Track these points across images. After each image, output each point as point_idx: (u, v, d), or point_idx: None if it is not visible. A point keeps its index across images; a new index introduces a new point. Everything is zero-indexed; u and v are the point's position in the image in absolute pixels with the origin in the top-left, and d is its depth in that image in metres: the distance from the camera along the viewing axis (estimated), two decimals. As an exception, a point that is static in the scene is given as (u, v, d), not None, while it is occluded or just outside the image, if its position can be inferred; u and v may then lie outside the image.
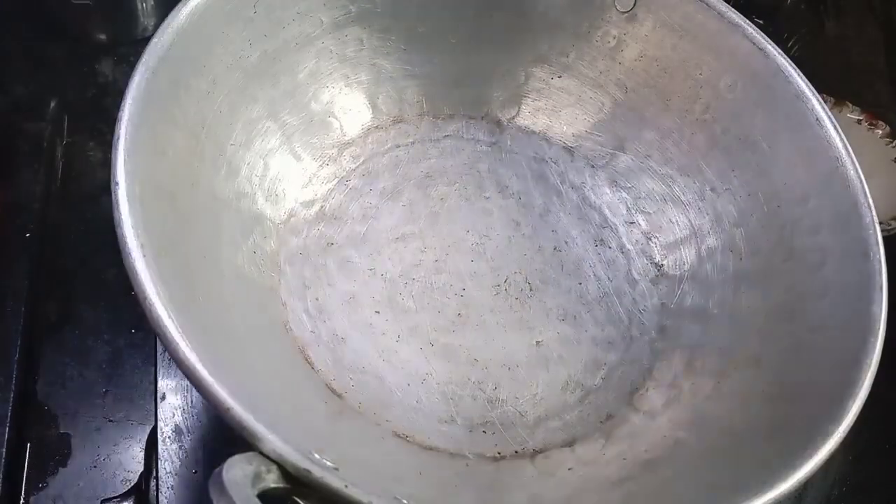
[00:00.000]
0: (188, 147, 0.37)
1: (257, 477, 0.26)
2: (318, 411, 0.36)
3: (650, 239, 0.46)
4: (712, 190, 0.45)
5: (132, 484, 0.38)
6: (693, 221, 0.45)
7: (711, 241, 0.44)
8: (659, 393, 0.41)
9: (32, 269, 0.43)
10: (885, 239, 0.38)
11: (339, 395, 0.38)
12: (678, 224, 0.46)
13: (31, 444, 0.39)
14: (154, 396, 0.38)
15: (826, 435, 0.32)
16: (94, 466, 0.39)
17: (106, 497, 0.38)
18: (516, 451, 0.38)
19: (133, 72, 0.33)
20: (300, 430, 0.32)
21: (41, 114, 0.48)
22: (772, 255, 0.41)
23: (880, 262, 0.37)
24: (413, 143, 0.47)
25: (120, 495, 0.38)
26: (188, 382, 0.28)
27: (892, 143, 0.55)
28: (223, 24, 0.38)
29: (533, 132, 0.48)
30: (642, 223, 0.47)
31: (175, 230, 0.34)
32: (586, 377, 0.41)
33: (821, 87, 0.42)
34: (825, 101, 0.43)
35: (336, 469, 0.27)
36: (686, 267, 0.44)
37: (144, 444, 0.39)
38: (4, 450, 0.38)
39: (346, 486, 0.26)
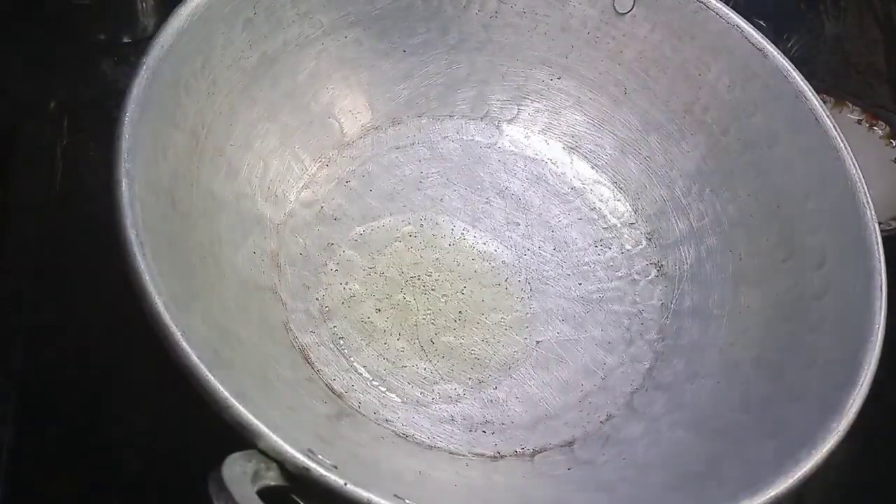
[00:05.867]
0: (188, 147, 0.37)
1: (256, 475, 0.26)
2: (318, 411, 0.36)
3: (650, 239, 0.46)
4: (712, 190, 0.45)
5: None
6: (693, 222, 0.45)
7: (711, 241, 0.44)
8: (659, 393, 0.41)
9: (32, 269, 0.43)
10: (884, 239, 0.38)
11: (339, 395, 0.38)
12: (678, 224, 0.46)
13: (32, 444, 0.39)
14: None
15: (826, 434, 0.32)
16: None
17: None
18: (516, 451, 0.38)
19: (134, 72, 0.33)
20: (300, 429, 0.32)
21: (41, 114, 0.48)
22: (771, 255, 0.42)
23: (880, 262, 0.37)
24: (412, 144, 0.47)
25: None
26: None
27: (891, 143, 0.55)
28: (223, 26, 0.39)
29: (532, 133, 0.49)
30: (642, 223, 0.47)
31: (175, 230, 0.34)
32: (586, 377, 0.41)
33: (820, 87, 0.42)
34: (825, 102, 0.43)
35: (335, 467, 0.27)
36: (686, 267, 0.45)
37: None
38: (5, 450, 0.38)
39: (345, 485, 0.27)
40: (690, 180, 0.46)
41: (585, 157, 0.48)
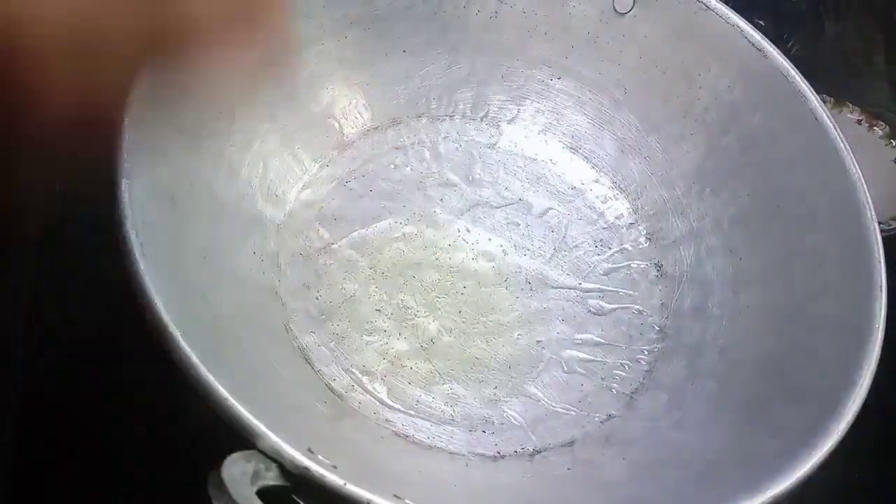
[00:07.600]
0: (188, 148, 0.37)
1: (256, 475, 0.26)
2: (318, 411, 0.36)
3: (650, 239, 0.46)
4: (712, 191, 0.45)
5: None
6: (693, 222, 0.45)
7: (711, 241, 0.44)
8: (659, 393, 0.41)
9: (32, 270, 0.43)
10: (884, 239, 0.38)
11: (339, 396, 0.38)
12: (678, 224, 0.46)
13: (32, 444, 0.39)
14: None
15: (826, 434, 0.32)
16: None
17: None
18: (515, 451, 0.38)
19: (135, 73, 0.33)
20: (300, 429, 0.32)
21: (41, 114, 0.48)
22: (771, 255, 0.41)
23: (880, 262, 0.37)
24: (412, 144, 0.47)
25: None
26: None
27: (891, 143, 0.55)
28: (223, 26, 0.39)
29: (532, 133, 0.49)
30: (642, 223, 0.47)
31: (175, 231, 0.34)
32: (586, 377, 0.41)
33: (820, 87, 0.42)
34: (825, 102, 0.43)
35: (335, 467, 0.27)
36: (686, 267, 0.44)
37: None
38: (5, 450, 0.38)
39: (344, 485, 0.27)
40: (690, 180, 0.46)
41: (585, 157, 0.48)
